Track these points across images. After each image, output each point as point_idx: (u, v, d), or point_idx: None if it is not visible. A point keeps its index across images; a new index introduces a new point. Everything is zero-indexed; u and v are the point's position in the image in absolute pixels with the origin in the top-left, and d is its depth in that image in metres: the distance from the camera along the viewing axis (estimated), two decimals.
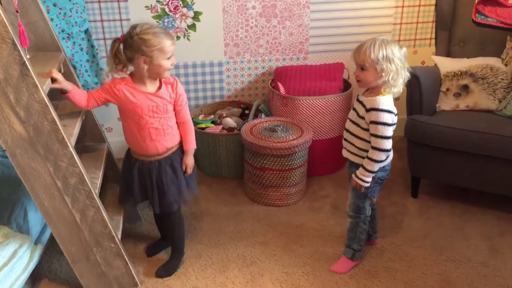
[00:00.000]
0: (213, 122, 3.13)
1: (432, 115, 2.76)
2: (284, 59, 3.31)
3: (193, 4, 3.08)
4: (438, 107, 2.86)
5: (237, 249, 2.44)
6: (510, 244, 2.46)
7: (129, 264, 2.16)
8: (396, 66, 1.90)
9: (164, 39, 1.94)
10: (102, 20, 3.03)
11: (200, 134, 2.98)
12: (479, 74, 2.81)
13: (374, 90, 2.00)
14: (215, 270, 2.30)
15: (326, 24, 3.26)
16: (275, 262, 2.35)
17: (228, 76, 3.30)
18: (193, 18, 3.11)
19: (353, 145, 2.10)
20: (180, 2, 3.06)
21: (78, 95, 2.05)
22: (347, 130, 2.13)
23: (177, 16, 3.09)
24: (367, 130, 2.01)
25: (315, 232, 2.56)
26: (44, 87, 1.84)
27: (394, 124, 1.97)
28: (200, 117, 3.17)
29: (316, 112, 2.91)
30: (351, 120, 2.10)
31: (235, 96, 3.38)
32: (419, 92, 2.67)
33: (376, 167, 2.02)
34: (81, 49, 2.85)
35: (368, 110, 1.97)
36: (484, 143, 2.49)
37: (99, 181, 2.17)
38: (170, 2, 3.05)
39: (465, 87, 2.81)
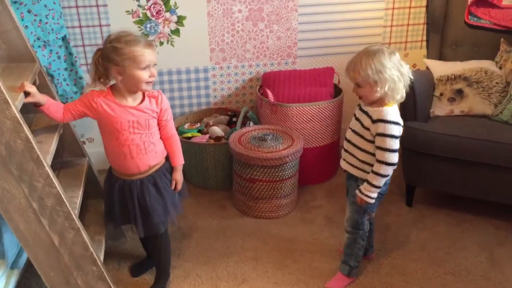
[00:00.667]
0: (199, 131, 3.00)
1: (426, 121, 2.67)
2: (272, 64, 3.20)
3: (177, 8, 2.95)
4: (432, 112, 2.77)
5: (227, 267, 2.32)
6: (509, 255, 2.38)
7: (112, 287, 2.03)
8: (391, 75, 1.79)
9: (137, 47, 1.77)
10: (80, 26, 2.89)
11: (186, 144, 2.86)
12: (473, 78, 2.73)
13: (378, 101, 1.88)
14: None
15: (314, 27, 3.15)
16: (267, 280, 2.23)
17: (214, 83, 3.18)
18: (176, 23, 2.98)
19: (355, 157, 1.99)
20: (163, 6, 2.93)
21: (53, 108, 1.90)
22: (349, 141, 2.01)
23: (159, 21, 2.96)
24: (372, 142, 1.90)
25: (308, 246, 2.45)
26: (16, 102, 1.69)
27: (400, 136, 1.87)
28: (186, 126, 3.04)
29: (306, 119, 2.81)
30: (353, 131, 1.98)
31: (222, 103, 3.26)
32: (413, 98, 2.57)
33: (382, 181, 1.91)
34: (59, 57, 2.71)
35: (374, 121, 1.86)
36: (481, 150, 2.41)
37: (78, 200, 2.03)
38: (152, 6, 2.92)
39: (459, 92, 2.73)
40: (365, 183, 1.94)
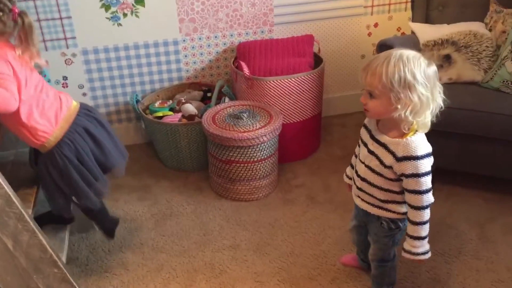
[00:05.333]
0: (171, 109, 2.80)
1: None
2: (247, 34, 2.98)
3: None
4: None
5: (204, 257, 2.18)
6: (501, 230, 2.26)
7: None
8: (419, 94, 1.39)
9: None
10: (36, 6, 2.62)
11: (157, 124, 2.66)
12: (461, 42, 2.54)
13: (393, 125, 1.50)
14: (180, 284, 2.04)
15: None
16: (246, 270, 2.09)
17: (186, 56, 2.96)
18: None
19: (374, 197, 1.64)
20: None
21: None
22: (364, 179, 1.64)
23: None
24: (396, 180, 1.55)
25: (290, 230, 2.31)
26: None
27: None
28: (157, 104, 2.83)
29: (285, 93, 2.62)
30: (368, 167, 1.60)
31: (195, 77, 3.04)
32: None
33: (427, 228, 1.57)
34: None
35: (400, 159, 1.49)
36: (471, 121, 2.26)
37: (33, 197, 1.84)
38: None
39: (447, 58, 2.54)
40: (408, 240, 1.58)
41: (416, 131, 1.49)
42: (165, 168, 2.83)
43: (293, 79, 2.59)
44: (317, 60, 2.84)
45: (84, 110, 1.86)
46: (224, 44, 2.97)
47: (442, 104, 1.49)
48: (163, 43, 2.88)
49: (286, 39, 2.90)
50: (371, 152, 1.58)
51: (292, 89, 2.61)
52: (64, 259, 1.86)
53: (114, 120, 3.02)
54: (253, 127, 2.39)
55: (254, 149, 2.39)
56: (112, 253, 2.23)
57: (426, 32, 2.65)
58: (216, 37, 2.94)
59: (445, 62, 2.54)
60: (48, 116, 1.74)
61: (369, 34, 3.16)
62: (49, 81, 2.66)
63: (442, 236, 2.24)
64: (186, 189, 2.65)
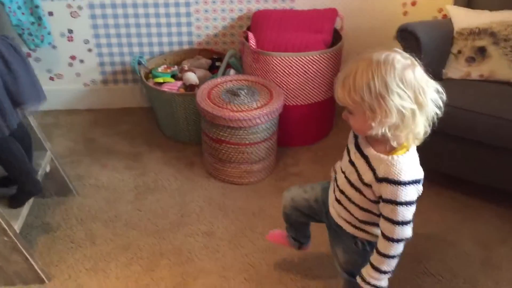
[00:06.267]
0: (173, 76, 2.63)
1: None
2: (266, 1, 2.72)
3: None
4: (445, 73, 2.28)
5: (175, 240, 2.04)
6: (508, 255, 1.98)
7: (30, 259, 1.79)
8: (398, 106, 1.12)
9: None
10: None
11: (154, 91, 2.51)
12: (501, 35, 2.19)
13: (381, 140, 1.23)
14: (142, 267, 1.92)
15: None
16: (215, 261, 1.94)
17: (198, 19, 2.75)
18: None
19: (352, 215, 1.39)
20: None
21: None
22: (342, 192, 1.39)
23: None
24: (376, 202, 1.30)
25: (274, 222, 2.11)
26: None
27: (417, 197, 1.26)
28: (160, 69, 2.67)
29: (293, 72, 2.38)
30: (347, 179, 1.35)
31: (207, 43, 2.84)
32: (418, 55, 2.06)
33: (393, 264, 1.32)
34: None
35: (379, 180, 1.23)
36: (496, 130, 1.96)
37: None
38: None
39: (482, 50, 2.21)
40: (368, 266, 1.35)
41: (407, 149, 1.23)
42: (163, 137, 2.69)
43: (303, 58, 2.35)
44: (337, 38, 2.56)
45: (3, 37, 1.69)
46: (240, 10, 2.74)
47: (438, 112, 1.20)
48: (174, 3, 2.69)
49: (306, 11, 2.63)
50: (351, 162, 1.33)
51: (301, 68, 2.37)
52: (17, 227, 1.77)
53: (119, 80, 2.90)
54: (248, 106, 2.19)
55: (246, 131, 2.19)
56: (84, 222, 2.14)
57: (463, 18, 2.31)
58: (231, 1, 2.71)
59: (478, 55, 2.21)
60: None
61: (405, 14, 2.82)
62: (49, 33, 2.53)
63: (439, 253, 1.99)
64: (178, 162, 2.50)
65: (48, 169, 2.14)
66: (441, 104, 1.19)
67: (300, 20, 2.56)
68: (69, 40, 2.75)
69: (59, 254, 1.98)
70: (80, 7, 2.66)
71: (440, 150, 2.10)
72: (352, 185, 1.33)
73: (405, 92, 1.13)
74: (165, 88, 2.51)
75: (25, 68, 1.71)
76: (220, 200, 2.26)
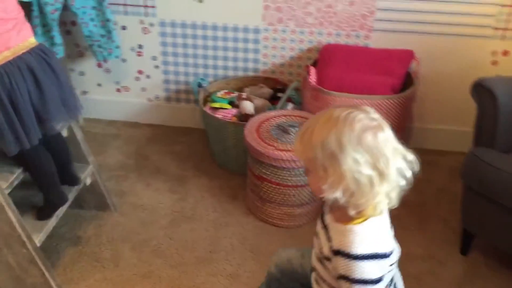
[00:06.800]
0: (231, 102, 2.55)
1: (510, 151, 1.90)
2: (338, 35, 2.57)
3: None
4: None
5: (197, 277, 1.93)
6: None
7: (46, 274, 1.77)
8: (353, 170, 1.00)
9: None
10: None
11: (207, 116, 2.44)
12: None
13: (341, 208, 1.07)
14: None
15: None
16: None
17: (266, 47, 2.66)
18: None
19: None
20: None
21: None
22: (314, 268, 1.24)
23: None
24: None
25: None
26: None
27: (382, 276, 1.06)
28: (220, 94, 2.60)
29: None
30: (315, 253, 1.22)
31: (272, 72, 2.73)
32: (494, 117, 1.82)
33: None
34: None
35: (334, 253, 1.07)
36: None
37: (16, 174, 1.73)
38: None
39: None
40: None
41: (366, 218, 1.06)
42: (212, 163, 2.61)
43: (366, 101, 2.16)
44: (410, 82, 2.34)
45: (38, 51, 1.66)
46: (310, 42, 2.61)
47: (403, 183, 1.05)
48: (243, 29, 2.62)
49: (379, 50, 2.44)
50: (316, 233, 1.20)
51: None
52: (39, 240, 1.75)
53: (181, 99, 2.88)
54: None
55: (289, 172, 2.04)
56: (113, 242, 2.10)
57: None
58: (302, 32, 2.58)
59: None
60: None
61: (494, 63, 2.52)
62: (117, 47, 2.57)
63: None
64: (220, 192, 2.40)
65: (88, 182, 2.13)
66: (408, 175, 1.05)
67: (370, 59, 2.37)
68: (138, 55, 2.78)
69: (81, 272, 1.95)
70: (151, 24, 2.67)
71: (503, 224, 1.81)
72: (318, 259, 1.19)
73: (362, 156, 1.00)
74: (219, 114, 2.44)
75: (57, 84, 1.69)
76: (254, 240, 2.12)
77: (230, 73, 2.76)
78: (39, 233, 1.77)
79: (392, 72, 2.29)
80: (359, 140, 1.00)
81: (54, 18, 2.31)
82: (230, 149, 2.44)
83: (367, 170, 1.00)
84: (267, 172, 2.07)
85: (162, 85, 2.86)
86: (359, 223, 1.06)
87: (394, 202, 1.07)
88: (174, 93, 2.87)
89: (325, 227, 1.15)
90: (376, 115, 1.05)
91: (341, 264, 1.05)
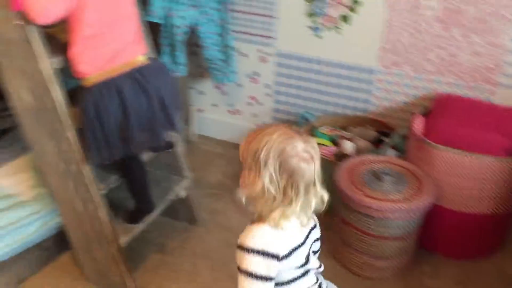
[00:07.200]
0: (333, 140, 2.52)
1: None
2: (458, 86, 2.41)
3: None
4: None
5: None
6: None
7: (124, 276, 1.90)
8: (266, 184, 1.12)
9: None
10: None
11: None
12: None
13: (254, 209, 1.20)
14: None
15: None
16: None
17: (378, 89, 2.59)
18: (349, 8, 2.48)
19: None
20: None
21: None
22: None
23: (331, 2, 2.51)
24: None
25: None
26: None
27: (270, 275, 1.15)
28: (323, 129, 2.59)
29: (457, 172, 2.03)
30: None
31: (381, 115, 2.65)
32: None
33: None
34: (212, 20, 2.58)
35: (237, 246, 1.18)
36: None
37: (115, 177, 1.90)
38: None
39: None
40: None
41: (264, 223, 1.16)
42: None
43: (475, 159, 1.99)
44: None
45: (137, 74, 1.72)
46: (425, 89, 2.49)
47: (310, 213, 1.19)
48: (358, 68, 2.59)
49: (500, 107, 2.24)
50: None
51: (469, 171, 2.01)
52: (124, 241, 1.89)
53: None
54: (386, 195, 1.95)
55: (375, 222, 1.95)
56: (195, 257, 2.19)
57: None
58: (418, 78, 2.48)
59: None
60: (98, 52, 1.65)
61: None
62: (233, 72, 2.70)
63: None
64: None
65: (183, 195, 2.25)
66: (315, 209, 1.19)
67: (489, 116, 2.19)
68: (253, 82, 2.89)
69: (159, 280, 2.05)
70: (269, 54, 2.77)
71: None
72: None
73: (278, 178, 1.11)
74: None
75: (146, 105, 1.74)
76: None
77: (339, 110, 2.74)
78: (125, 235, 1.92)
79: (510, 132, 2.09)
80: (283, 163, 1.11)
81: (180, 40, 2.50)
82: (325, 187, 2.40)
83: (275, 190, 1.12)
84: (352, 217, 2.01)
85: (271, 112, 2.93)
86: (258, 224, 1.16)
87: (297, 225, 1.18)
88: (281, 122, 2.92)
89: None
90: (313, 149, 1.16)
91: (237, 256, 1.17)
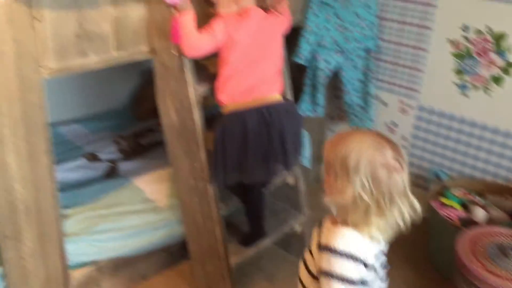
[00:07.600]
0: (463, 204, 2.37)
1: None
2: None
3: (510, 53, 2.31)
4: None
5: None
6: None
7: None
8: (358, 192, 1.09)
9: None
10: (394, 42, 2.68)
11: (431, 209, 2.34)
12: None
13: (342, 215, 1.16)
14: None
15: None
16: None
17: None
18: (502, 69, 2.35)
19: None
20: (493, 46, 2.35)
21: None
22: (300, 278, 1.31)
23: (482, 61, 2.40)
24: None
25: None
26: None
27: (361, 279, 1.12)
28: (456, 191, 2.45)
29: None
30: (304, 261, 1.28)
31: None
32: None
33: None
34: (355, 67, 2.65)
35: (321, 248, 1.16)
36: None
37: (235, 200, 2.04)
38: (481, 41, 2.39)
39: None
40: None
41: (355, 229, 1.14)
42: (425, 259, 2.47)
43: None
44: None
45: (264, 109, 1.83)
46: None
47: (401, 224, 1.14)
48: (503, 133, 2.43)
49: None
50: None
51: None
52: (234, 261, 2.00)
53: (418, 184, 2.81)
54: (509, 273, 1.78)
55: None
56: (285, 282, 2.23)
57: None
58: None
59: None
60: (236, 86, 1.82)
61: None
62: (370, 119, 2.72)
63: None
64: None
65: (298, 229, 2.33)
66: (407, 220, 1.14)
67: None
68: (390, 131, 2.86)
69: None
70: (410, 106, 2.73)
71: None
72: (305, 264, 1.26)
73: (370, 186, 1.09)
74: (445, 211, 2.31)
75: (266, 140, 1.84)
76: None
77: (477, 174, 2.57)
78: (236, 256, 2.04)
79: None
80: (373, 171, 1.09)
81: (321, 82, 2.60)
82: (446, 251, 2.27)
83: (367, 199, 1.09)
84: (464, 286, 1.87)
85: None
86: (349, 228, 1.14)
87: (387, 237, 1.16)
88: (412, 176, 2.82)
89: (320, 224, 1.23)
90: (402, 156, 1.13)
91: (325, 259, 1.13)
